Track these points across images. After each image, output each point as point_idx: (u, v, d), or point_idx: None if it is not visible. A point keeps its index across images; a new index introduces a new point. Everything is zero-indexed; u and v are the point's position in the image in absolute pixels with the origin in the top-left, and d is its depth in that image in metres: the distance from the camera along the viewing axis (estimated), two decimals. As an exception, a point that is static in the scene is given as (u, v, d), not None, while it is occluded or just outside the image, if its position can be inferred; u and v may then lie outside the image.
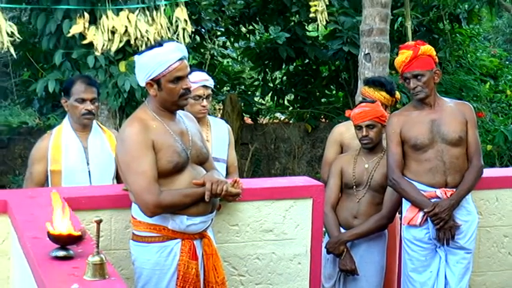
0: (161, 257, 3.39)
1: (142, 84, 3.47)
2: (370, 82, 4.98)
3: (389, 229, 4.65)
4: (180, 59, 3.40)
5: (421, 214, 4.26)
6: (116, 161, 3.46)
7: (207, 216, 3.47)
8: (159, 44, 3.46)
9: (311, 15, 7.07)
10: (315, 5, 6.81)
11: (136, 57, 3.51)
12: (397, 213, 4.61)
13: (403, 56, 4.30)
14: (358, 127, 4.56)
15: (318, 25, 10.07)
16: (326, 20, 7.09)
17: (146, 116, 3.43)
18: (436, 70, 4.34)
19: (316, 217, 4.08)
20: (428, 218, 4.24)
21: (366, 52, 7.18)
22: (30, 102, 9.67)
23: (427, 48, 4.32)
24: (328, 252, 4.52)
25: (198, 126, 3.72)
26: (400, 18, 9.79)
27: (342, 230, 4.56)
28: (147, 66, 3.39)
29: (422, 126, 4.32)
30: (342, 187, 4.66)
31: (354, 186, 4.60)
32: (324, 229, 4.34)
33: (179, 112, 3.59)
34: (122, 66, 7.00)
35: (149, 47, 3.52)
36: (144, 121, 3.39)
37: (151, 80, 3.40)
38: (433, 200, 4.24)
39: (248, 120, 10.94)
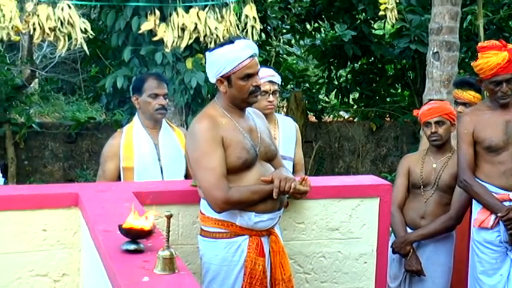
0: (229, 253, 3.40)
1: (213, 80, 3.48)
2: (458, 83, 4.93)
3: (457, 230, 4.57)
4: (251, 56, 3.40)
5: (492, 217, 4.17)
6: (186, 157, 3.48)
7: (275, 213, 3.46)
8: (230, 41, 3.47)
9: (380, 13, 6.99)
10: (385, 3, 6.73)
11: (207, 54, 3.53)
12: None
13: (498, 57, 4.10)
14: (426, 124, 4.50)
15: (384, 23, 10.02)
16: (395, 18, 6.99)
17: (216, 112, 3.44)
18: None
19: (383, 216, 4.02)
20: (500, 221, 4.15)
21: (435, 51, 7.05)
22: (97, 98, 9.86)
23: None
24: (394, 252, 4.48)
25: (267, 124, 3.72)
26: (469, 17, 9.59)
27: (409, 230, 4.51)
28: (218, 63, 3.40)
29: (496, 128, 4.20)
30: (409, 187, 4.60)
31: (422, 186, 4.54)
32: (390, 229, 4.29)
33: (248, 109, 3.59)
34: (189, 63, 7.07)
35: (220, 44, 3.52)
36: (213, 117, 3.40)
37: (221, 76, 3.41)
38: (505, 203, 4.15)
39: (312, 118, 10.89)
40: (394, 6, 6.84)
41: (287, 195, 3.48)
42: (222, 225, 3.40)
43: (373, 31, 11.03)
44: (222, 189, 3.28)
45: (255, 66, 3.43)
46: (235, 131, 3.41)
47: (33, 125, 8.81)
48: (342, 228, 3.99)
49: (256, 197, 3.35)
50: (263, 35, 9.49)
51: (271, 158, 3.57)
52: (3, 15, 5.61)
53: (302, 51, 12.42)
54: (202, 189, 3.37)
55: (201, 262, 3.51)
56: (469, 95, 4.75)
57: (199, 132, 3.36)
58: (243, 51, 3.39)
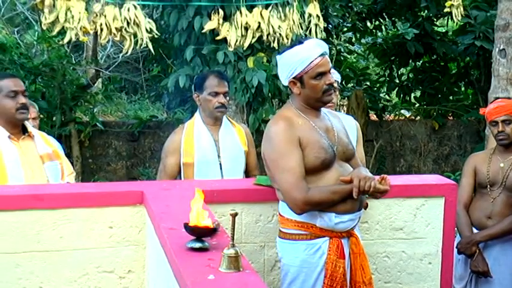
0: (308, 255, 3.36)
1: (285, 83, 3.46)
2: None
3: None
4: (321, 55, 3.36)
5: None
6: (263, 159, 3.44)
7: (355, 214, 3.41)
8: (299, 41, 3.44)
9: (446, 10, 6.89)
10: (450, 0, 6.62)
11: (277, 57, 3.51)
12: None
13: None
14: (493, 123, 4.42)
15: (447, 20, 9.85)
16: (461, 15, 6.87)
17: (291, 113, 3.42)
18: None
19: (448, 216, 3.97)
20: None
21: (501, 48, 6.90)
22: (159, 97, 9.97)
23: None
24: (459, 253, 4.42)
25: (343, 124, 3.67)
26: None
27: (475, 231, 4.44)
28: (289, 65, 3.38)
29: None
30: (475, 186, 4.53)
31: (488, 186, 4.45)
32: (455, 229, 4.23)
33: (323, 110, 3.56)
34: (250, 62, 7.09)
35: (289, 46, 3.49)
36: (289, 119, 3.38)
37: (293, 78, 3.39)
38: None
39: (373, 117, 10.80)
40: (460, 2, 6.73)
41: (367, 195, 3.42)
42: (301, 227, 3.36)
43: (436, 28, 10.86)
44: (301, 189, 3.24)
45: (327, 64, 3.39)
46: (311, 131, 3.37)
47: (98, 124, 8.95)
48: (406, 228, 3.96)
49: (336, 197, 3.30)
50: (324, 34, 9.44)
51: (349, 157, 3.52)
52: (72, 17, 5.73)
53: (363, 49, 12.33)
54: (281, 190, 3.34)
55: (280, 264, 3.50)
56: None
57: (276, 134, 3.34)
58: (313, 50, 3.36)
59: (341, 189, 3.30)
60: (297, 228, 3.37)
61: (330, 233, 3.36)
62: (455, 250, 4.23)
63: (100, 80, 10.85)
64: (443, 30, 11.28)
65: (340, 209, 3.33)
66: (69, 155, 8.80)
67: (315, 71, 3.34)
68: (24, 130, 4.18)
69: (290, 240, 3.40)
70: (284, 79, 3.45)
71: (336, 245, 3.35)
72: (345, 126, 3.67)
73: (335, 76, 4.43)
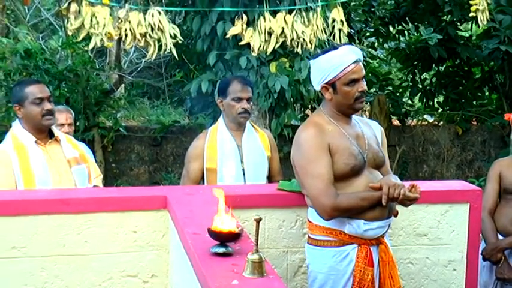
0: (336, 262, 3.35)
1: (317, 88, 3.47)
2: None
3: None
4: (355, 62, 3.36)
5: None
6: (292, 165, 3.45)
7: (384, 221, 3.39)
8: (334, 47, 3.44)
9: (471, 14, 6.83)
10: (476, 4, 6.57)
11: (311, 62, 3.52)
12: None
13: None
14: (518, 129, 4.40)
15: (471, 24, 9.78)
16: (487, 19, 6.82)
17: (322, 120, 3.42)
18: None
19: (473, 223, 3.95)
20: None
21: (526, 52, 6.84)
22: (181, 102, 10.01)
23: None
24: (484, 259, 4.38)
25: (374, 131, 3.66)
26: None
27: (500, 237, 4.40)
28: (322, 70, 3.38)
29: None
30: (501, 192, 4.49)
31: (514, 192, 4.42)
32: (480, 235, 4.20)
33: (354, 117, 3.55)
34: (273, 67, 7.11)
35: (324, 51, 3.48)
36: (319, 125, 3.38)
37: (326, 83, 3.39)
38: None
39: (396, 122, 10.75)
40: (486, 7, 6.67)
41: (396, 203, 3.39)
42: (330, 234, 3.36)
43: (460, 33, 10.79)
44: (330, 195, 3.24)
45: (360, 71, 3.38)
46: (341, 137, 3.37)
47: (121, 129, 9.00)
48: (430, 234, 3.95)
49: (365, 203, 3.29)
50: (346, 39, 9.44)
51: (379, 164, 3.51)
52: (97, 22, 5.78)
53: (385, 54, 12.30)
54: (310, 196, 3.35)
55: (308, 270, 3.50)
56: None
57: (305, 140, 3.34)
58: (347, 56, 3.36)
59: (370, 196, 3.29)
60: (325, 235, 3.37)
61: (359, 240, 3.36)
62: (480, 257, 4.20)
63: (123, 85, 10.93)
64: (467, 35, 11.20)
65: (368, 216, 3.32)
66: (92, 159, 8.87)
67: (348, 77, 3.34)
68: (51, 134, 4.22)
69: (318, 247, 3.40)
70: (316, 84, 3.45)
71: (364, 252, 3.35)
72: (375, 133, 3.66)
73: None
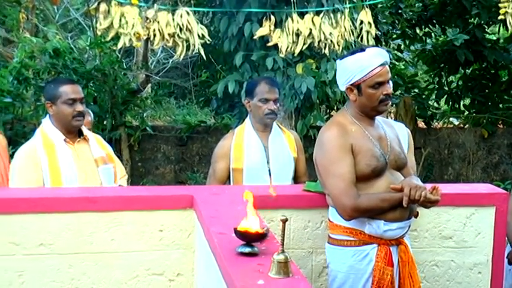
0: (356, 261, 3.37)
1: (343, 88, 3.48)
2: None
3: None
4: (382, 65, 3.37)
5: None
6: (315, 165, 3.46)
7: (405, 222, 3.40)
8: (361, 49, 3.45)
9: (500, 17, 6.78)
10: (505, 7, 6.53)
11: (338, 62, 3.53)
12: None
13: None
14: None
15: (499, 27, 9.71)
16: (516, 22, 6.77)
17: (345, 120, 3.43)
18: None
19: (499, 226, 3.94)
20: None
21: (554, 56, 6.78)
22: (208, 102, 10.04)
23: None
24: (509, 263, 4.39)
25: (397, 133, 3.67)
26: None
27: (526, 241, 4.39)
28: (348, 71, 3.39)
29: None
30: (527, 196, 4.47)
31: (540, 196, 4.39)
32: (506, 239, 4.17)
33: (378, 118, 3.56)
34: (299, 69, 7.12)
35: (351, 52, 3.49)
36: (342, 125, 3.39)
37: (351, 84, 3.40)
38: None
39: (421, 124, 10.72)
40: (515, 9, 6.63)
41: (417, 204, 3.40)
42: (350, 233, 3.38)
43: (487, 36, 10.73)
44: (351, 196, 3.26)
45: (386, 74, 3.39)
46: (364, 138, 3.38)
47: (147, 128, 9.07)
48: (455, 237, 3.94)
49: (386, 205, 3.30)
50: (373, 41, 9.43)
51: (401, 166, 3.52)
52: (126, 22, 5.84)
53: (412, 56, 12.26)
54: (331, 196, 3.37)
55: (328, 270, 3.52)
56: None
57: (328, 140, 3.35)
58: (374, 58, 3.36)
59: (391, 197, 3.30)
60: (345, 234, 3.39)
61: (379, 240, 3.37)
62: (505, 260, 4.19)
63: (150, 85, 10.98)
64: (494, 38, 11.14)
65: (389, 217, 3.34)
66: (119, 158, 8.94)
67: (374, 80, 3.35)
68: (79, 133, 4.27)
69: (339, 246, 3.42)
70: (342, 84, 3.46)
71: (384, 252, 3.36)
72: (398, 135, 3.66)
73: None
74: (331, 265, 3.46)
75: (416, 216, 3.52)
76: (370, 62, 3.35)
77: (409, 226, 3.49)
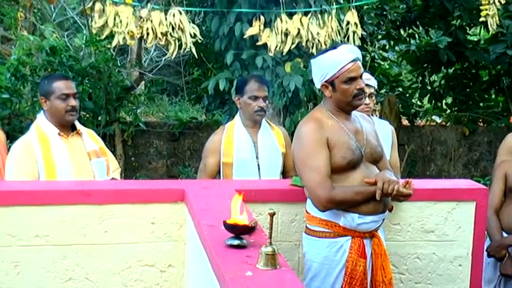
0: (331, 252, 3.45)
1: (318, 86, 3.56)
2: None
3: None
4: (353, 61, 3.44)
5: None
6: (292, 158, 3.54)
7: (378, 215, 3.48)
8: (333, 47, 3.53)
9: (481, 19, 6.89)
10: (486, 9, 6.64)
11: (312, 61, 3.61)
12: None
13: None
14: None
15: (480, 29, 9.84)
16: (497, 24, 6.87)
17: (322, 115, 3.51)
18: None
19: (479, 220, 4.02)
20: None
21: (533, 57, 6.90)
22: (199, 99, 10.13)
23: None
24: (489, 256, 4.45)
25: (374, 127, 3.75)
26: None
27: (505, 235, 4.46)
28: (322, 69, 3.48)
29: None
30: (506, 192, 4.57)
31: (519, 191, 4.50)
32: (485, 233, 4.27)
33: (355, 113, 3.65)
34: (288, 67, 7.19)
35: (323, 51, 3.58)
36: (319, 120, 3.47)
37: (325, 81, 3.48)
38: None
39: (405, 122, 10.86)
40: (496, 12, 6.71)
41: (391, 198, 3.47)
42: (326, 225, 3.46)
43: (468, 37, 10.89)
44: (326, 188, 3.33)
45: (358, 69, 3.47)
46: (340, 132, 3.46)
47: (140, 124, 9.17)
48: (437, 231, 4.01)
49: (359, 197, 3.38)
50: (359, 41, 9.54)
51: (377, 159, 3.60)
52: (121, 21, 5.90)
53: (396, 56, 12.39)
54: (307, 188, 3.44)
55: (304, 259, 3.59)
56: None
57: (306, 134, 3.43)
58: (345, 55, 3.44)
59: (364, 191, 3.38)
60: (321, 226, 3.47)
61: (353, 232, 3.45)
62: (485, 253, 4.29)
63: (143, 82, 11.06)
64: (476, 39, 11.29)
65: (363, 210, 3.41)
66: (113, 152, 9.03)
67: (346, 76, 3.43)
68: (73, 127, 4.34)
69: (315, 237, 3.50)
70: (317, 82, 3.55)
71: (357, 244, 3.44)
72: (376, 130, 3.74)
73: (371, 82, 4.54)
74: (307, 255, 3.54)
75: (390, 210, 3.59)
76: (342, 58, 3.43)
77: (383, 220, 3.56)
